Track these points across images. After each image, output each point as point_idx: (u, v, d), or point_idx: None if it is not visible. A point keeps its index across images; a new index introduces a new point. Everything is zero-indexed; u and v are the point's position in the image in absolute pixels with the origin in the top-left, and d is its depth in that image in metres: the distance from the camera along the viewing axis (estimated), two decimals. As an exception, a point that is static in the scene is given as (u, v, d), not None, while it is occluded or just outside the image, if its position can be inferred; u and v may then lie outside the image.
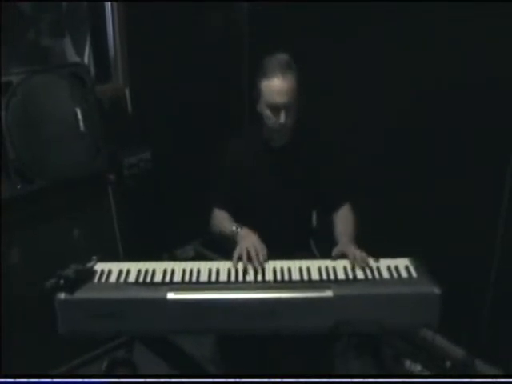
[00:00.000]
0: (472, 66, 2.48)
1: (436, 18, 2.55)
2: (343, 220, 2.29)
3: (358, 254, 2.02)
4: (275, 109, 2.13)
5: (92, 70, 3.05)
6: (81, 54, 3.07)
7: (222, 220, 2.28)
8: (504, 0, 2.30)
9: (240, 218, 2.30)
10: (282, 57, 2.15)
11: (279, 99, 2.11)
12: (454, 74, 2.54)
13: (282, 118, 2.13)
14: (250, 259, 2.00)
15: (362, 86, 2.91)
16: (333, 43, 2.98)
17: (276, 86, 2.10)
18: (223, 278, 1.96)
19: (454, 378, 1.85)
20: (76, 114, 2.57)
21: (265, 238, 2.23)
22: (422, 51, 2.64)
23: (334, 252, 2.08)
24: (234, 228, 2.18)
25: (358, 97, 2.95)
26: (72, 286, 1.79)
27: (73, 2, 2.97)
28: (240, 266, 2.01)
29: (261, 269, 1.98)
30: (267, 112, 2.16)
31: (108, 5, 3.05)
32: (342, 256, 2.05)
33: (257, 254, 2.00)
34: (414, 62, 2.68)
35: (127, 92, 3.20)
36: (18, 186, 2.43)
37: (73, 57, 3.03)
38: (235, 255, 2.03)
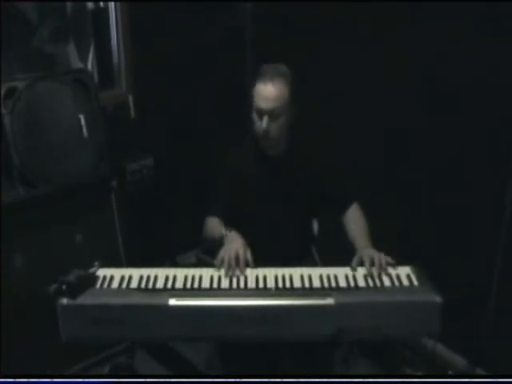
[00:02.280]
0: (473, 67, 2.49)
1: (436, 18, 2.57)
2: (354, 222, 2.27)
3: (376, 256, 2.01)
4: (259, 113, 2.15)
5: (96, 76, 3.06)
6: (85, 60, 3.08)
7: (214, 225, 2.27)
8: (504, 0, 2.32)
9: (240, 227, 2.31)
10: (276, 65, 2.17)
11: (263, 105, 2.12)
12: (454, 74, 2.55)
13: (264, 123, 2.13)
14: (231, 266, 2.00)
15: (363, 88, 2.92)
16: (333, 43, 3.00)
17: (262, 91, 2.12)
18: (225, 284, 1.96)
19: (453, 378, 1.84)
20: (79, 120, 2.58)
21: (266, 246, 2.23)
22: (422, 53, 2.65)
23: (354, 260, 2.05)
24: (222, 231, 2.18)
25: (359, 100, 2.96)
26: (74, 291, 1.79)
27: (78, 1, 2.99)
28: (222, 270, 2.01)
29: (242, 276, 1.98)
30: (254, 116, 2.18)
31: (112, 11, 3.07)
32: (362, 263, 2.03)
33: (237, 261, 2.00)
34: (413, 64, 2.69)
35: (130, 98, 3.21)
36: (21, 192, 2.44)
37: (77, 63, 3.04)
38: (218, 260, 2.03)
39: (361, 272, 2.01)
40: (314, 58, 3.05)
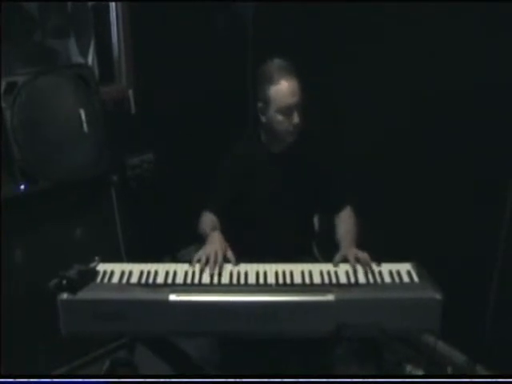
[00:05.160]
0: (475, 69, 2.48)
1: (439, 23, 2.56)
2: (344, 223, 2.30)
3: (360, 254, 2.03)
4: (288, 111, 2.15)
5: (96, 71, 3.05)
6: (85, 55, 3.07)
7: (206, 222, 2.27)
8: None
9: (241, 223, 2.31)
10: (280, 61, 2.19)
11: (291, 100, 2.14)
12: (454, 76, 2.55)
13: (296, 117, 2.16)
14: (207, 264, 2.00)
15: (364, 89, 2.92)
16: (335, 44, 2.99)
17: (286, 87, 2.13)
18: (225, 280, 1.96)
19: (454, 378, 1.84)
20: (80, 115, 2.58)
21: (266, 242, 2.23)
22: (424, 57, 2.65)
23: (336, 258, 2.08)
24: (207, 231, 2.18)
25: (361, 100, 2.96)
26: (74, 286, 1.79)
27: (79, 1, 2.98)
28: (197, 268, 2.01)
29: (235, 272, 1.99)
30: (279, 117, 2.17)
31: (112, 6, 3.06)
32: (344, 260, 2.05)
33: (215, 261, 2.00)
34: (415, 66, 2.69)
35: (131, 93, 3.20)
36: (22, 187, 2.44)
37: (77, 58, 3.04)
38: (195, 257, 2.03)
39: (361, 268, 2.01)
40: (315, 57, 3.04)
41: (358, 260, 2.02)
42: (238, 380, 1.67)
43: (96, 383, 1.73)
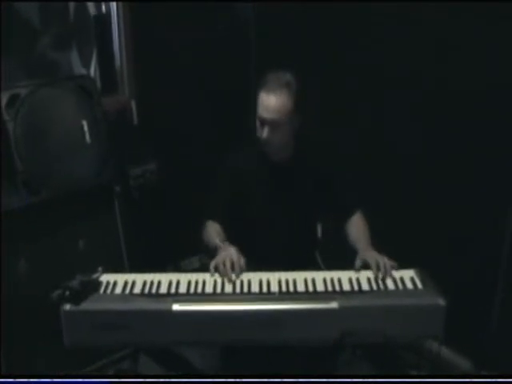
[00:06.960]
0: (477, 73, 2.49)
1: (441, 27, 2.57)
2: (357, 227, 2.29)
3: (382, 260, 2.02)
4: (261, 121, 2.16)
5: (98, 82, 3.07)
6: (87, 66, 3.09)
7: (211, 232, 2.26)
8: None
9: (241, 231, 2.30)
10: (283, 74, 2.16)
11: (265, 115, 2.13)
12: (456, 78, 2.55)
13: (265, 133, 2.15)
14: (225, 271, 2.00)
15: (368, 90, 2.92)
16: (335, 44, 3.00)
17: (265, 101, 2.12)
18: (228, 289, 1.96)
19: (454, 378, 1.82)
20: (82, 126, 2.59)
21: (268, 250, 2.23)
22: (424, 58, 2.65)
23: (357, 262, 2.07)
24: (217, 241, 2.17)
25: (361, 101, 2.96)
26: (77, 297, 1.79)
27: (82, 1, 3.00)
28: (217, 277, 2.01)
29: (238, 280, 1.99)
30: (257, 123, 2.19)
31: (114, 17, 3.08)
32: (365, 265, 2.05)
33: (232, 266, 2.00)
34: (415, 66, 2.69)
35: (133, 104, 3.21)
36: (25, 198, 2.45)
37: (79, 69, 3.05)
38: (211, 266, 2.03)
39: (364, 275, 2.01)
40: (318, 58, 3.05)
41: (378, 267, 2.01)
42: (237, 380, 1.67)
43: (96, 383, 1.73)
